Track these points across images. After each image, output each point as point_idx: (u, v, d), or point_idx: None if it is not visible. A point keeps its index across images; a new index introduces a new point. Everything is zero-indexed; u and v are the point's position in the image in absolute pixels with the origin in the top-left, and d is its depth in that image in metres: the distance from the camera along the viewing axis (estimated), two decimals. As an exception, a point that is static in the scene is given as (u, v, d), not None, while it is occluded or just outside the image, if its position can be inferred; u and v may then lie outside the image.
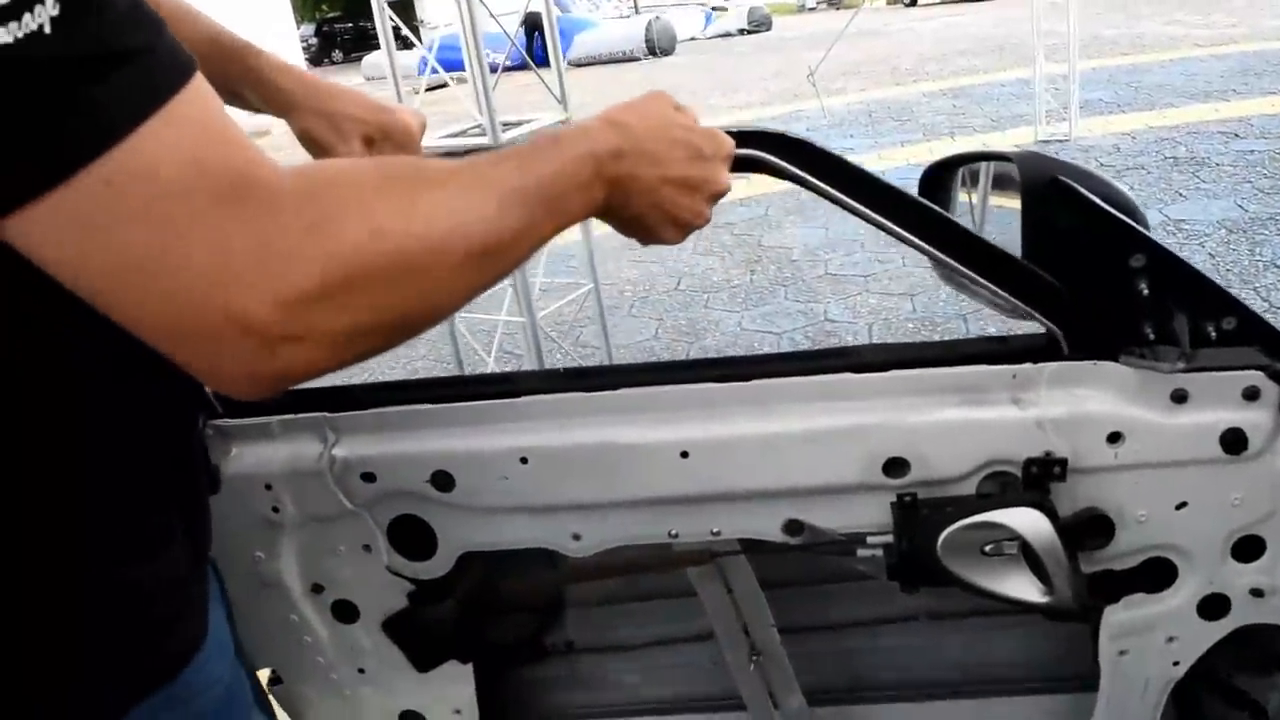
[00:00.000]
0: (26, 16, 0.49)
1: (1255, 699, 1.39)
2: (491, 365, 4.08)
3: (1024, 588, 1.14)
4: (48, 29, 0.50)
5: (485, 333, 4.40)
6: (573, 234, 4.38)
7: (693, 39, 22.38)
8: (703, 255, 6.11)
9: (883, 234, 1.13)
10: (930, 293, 4.90)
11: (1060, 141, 7.44)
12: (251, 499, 1.26)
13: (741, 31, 23.11)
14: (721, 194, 0.94)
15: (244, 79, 1.08)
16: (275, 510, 1.27)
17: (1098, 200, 1.09)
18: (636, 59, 18.80)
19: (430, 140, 3.79)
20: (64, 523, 0.72)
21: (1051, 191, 1.11)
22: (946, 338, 4.40)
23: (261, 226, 0.57)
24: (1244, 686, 1.39)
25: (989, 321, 4.49)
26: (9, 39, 0.49)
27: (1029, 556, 1.13)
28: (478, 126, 3.71)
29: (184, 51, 0.57)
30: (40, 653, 0.74)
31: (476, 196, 0.70)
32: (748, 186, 7.42)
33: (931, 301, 4.80)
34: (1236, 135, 7.04)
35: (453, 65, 4.06)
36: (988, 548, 1.14)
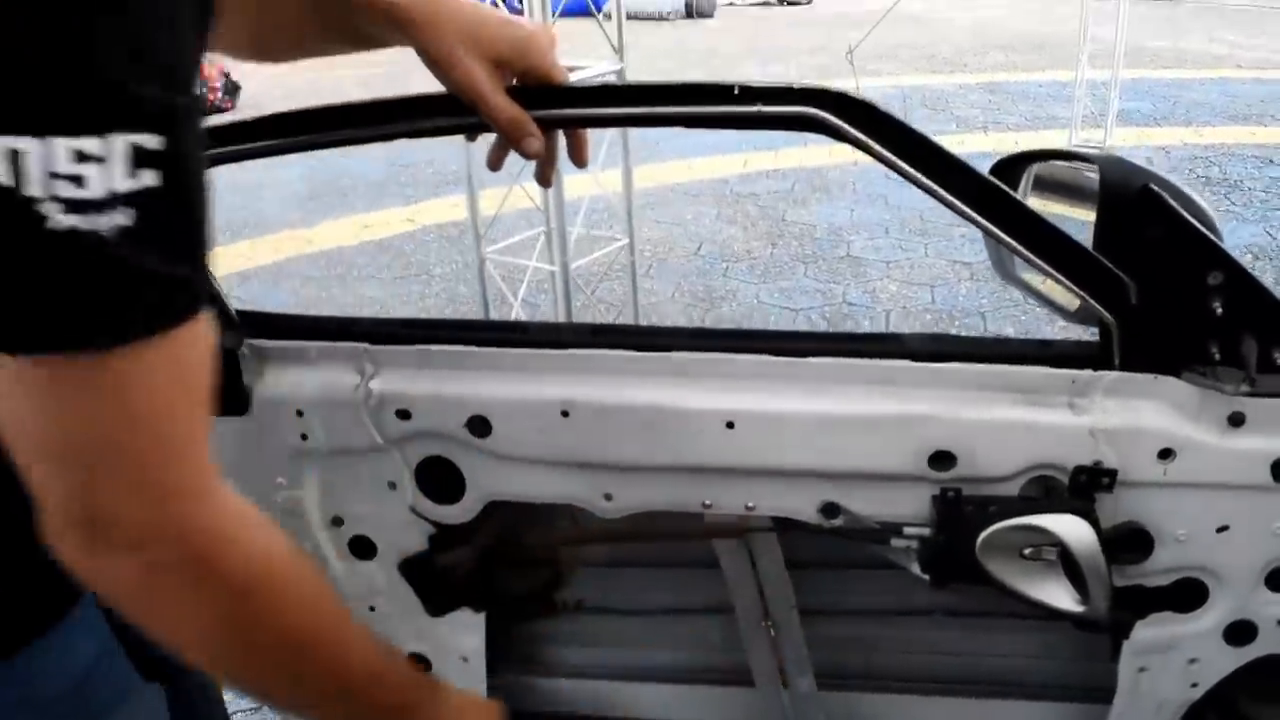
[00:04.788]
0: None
1: None
2: (517, 309, 4.06)
3: (1059, 595, 1.12)
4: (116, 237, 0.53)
5: (509, 278, 4.37)
6: (612, 186, 4.35)
7: (732, 4, 22.09)
8: (725, 223, 6.06)
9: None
10: (950, 285, 4.88)
11: (1094, 148, 7.37)
12: (280, 424, 1.24)
13: (782, 2, 22.84)
14: None
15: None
16: (303, 438, 1.25)
17: (1184, 212, 1.07)
18: (669, 19, 18.57)
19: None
20: None
21: (1138, 199, 1.08)
22: (965, 333, 4.38)
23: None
24: (1253, 715, 1.38)
25: (1007, 321, 4.47)
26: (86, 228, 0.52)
27: (1067, 564, 1.12)
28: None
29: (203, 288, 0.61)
30: None
31: (338, 644, 0.79)
32: (774, 159, 7.37)
33: (951, 294, 4.78)
34: (1271, 161, 6.98)
35: (509, 7, 4.02)
36: (1027, 551, 1.12)
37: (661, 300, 4.88)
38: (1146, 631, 1.22)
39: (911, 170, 1.04)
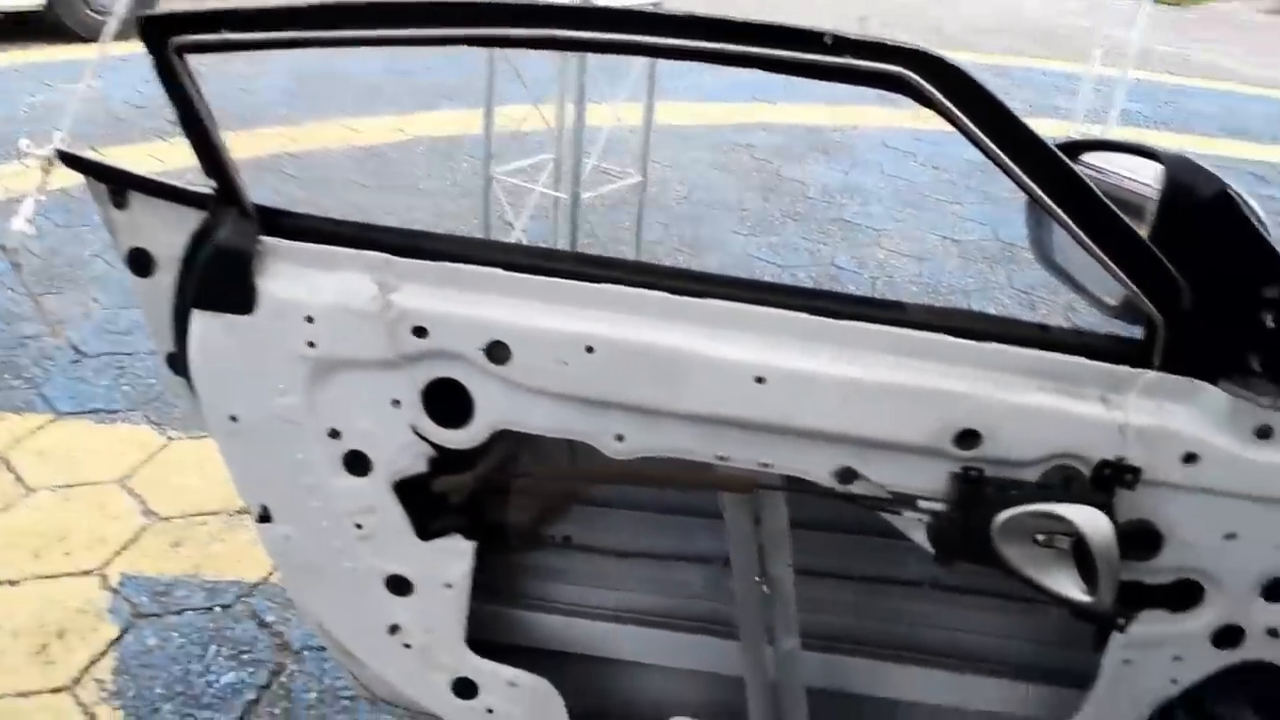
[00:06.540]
0: None
1: None
2: (518, 233, 3.99)
3: (1068, 585, 1.12)
4: None
5: (512, 202, 4.29)
6: (630, 120, 4.29)
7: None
8: (719, 171, 5.99)
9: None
10: (939, 261, 4.86)
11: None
12: (288, 327, 1.20)
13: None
14: None
15: None
16: (310, 345, 1.20)
17: (1256, 222, 1.06)
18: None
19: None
20: None
21: (1212, 201, 1.06)
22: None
23: None
24: (1217, 711, 1.40)
25: (991, 305, 4.48)
26: None
27: (1079, 555, 1.12)
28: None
29: None
30: None
31: None
32: (773, 112, 7.28)
33: (939, 270, 4.77)
34: (1266, 179, 7.01)
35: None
36: (1040, 537, 1.12)
37: (648, 242, 4.82)
38: (1138, 626, 1.23)
39: (993, 147, 1.02)
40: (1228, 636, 1.23)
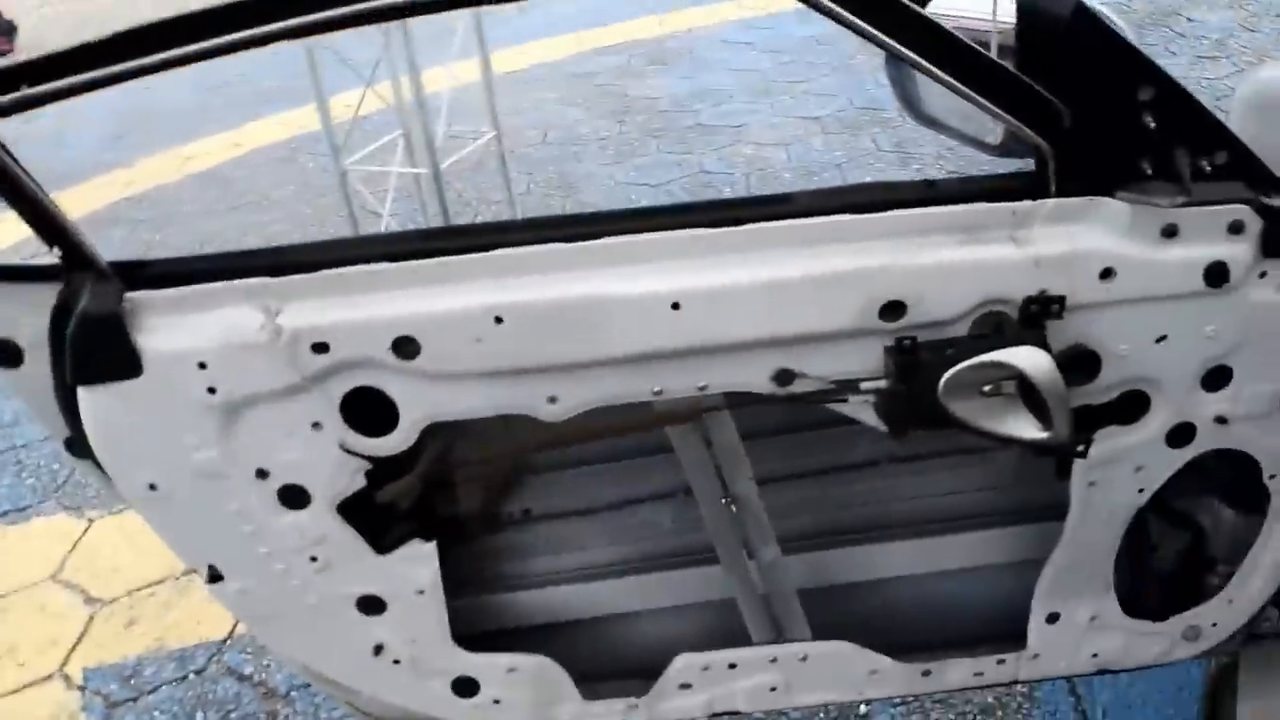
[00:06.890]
0: None
1: (1196, 520, 1.46)
2: (388, 220, 3.87)
3: (1024, 426, 1.13)
4: None
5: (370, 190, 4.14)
6: (467, 78, 4.17)
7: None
8: (567, 106, 5.89)
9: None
10: (804, 142, 4.88)
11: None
12: (182, 380, 1.13)
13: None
14: None
15: None
16: (211, 391, 1.14)
17: (1117, 29, 1.06)
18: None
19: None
20: None
21: (1072, 18, 1.06)
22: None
23: None
24: (1189, 510, 1.45)
25: (865, 172, 4.52)
26: None
27: (1026, 394, 1.13)
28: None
29: None
30: None
31: None
32: (604, 35, 7.16)
33: (806, 151, 4.79)
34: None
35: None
36: (986, 388, 1.12)
37: (518, 194, 4.74)
38: (1095, 447, 1.25)
39: (845, 13, 1.00)
40: (1181, 435, 1.26)
